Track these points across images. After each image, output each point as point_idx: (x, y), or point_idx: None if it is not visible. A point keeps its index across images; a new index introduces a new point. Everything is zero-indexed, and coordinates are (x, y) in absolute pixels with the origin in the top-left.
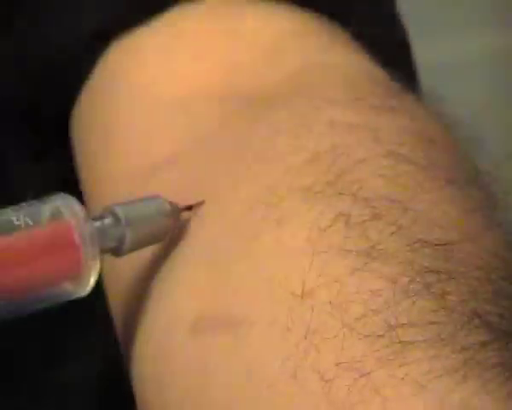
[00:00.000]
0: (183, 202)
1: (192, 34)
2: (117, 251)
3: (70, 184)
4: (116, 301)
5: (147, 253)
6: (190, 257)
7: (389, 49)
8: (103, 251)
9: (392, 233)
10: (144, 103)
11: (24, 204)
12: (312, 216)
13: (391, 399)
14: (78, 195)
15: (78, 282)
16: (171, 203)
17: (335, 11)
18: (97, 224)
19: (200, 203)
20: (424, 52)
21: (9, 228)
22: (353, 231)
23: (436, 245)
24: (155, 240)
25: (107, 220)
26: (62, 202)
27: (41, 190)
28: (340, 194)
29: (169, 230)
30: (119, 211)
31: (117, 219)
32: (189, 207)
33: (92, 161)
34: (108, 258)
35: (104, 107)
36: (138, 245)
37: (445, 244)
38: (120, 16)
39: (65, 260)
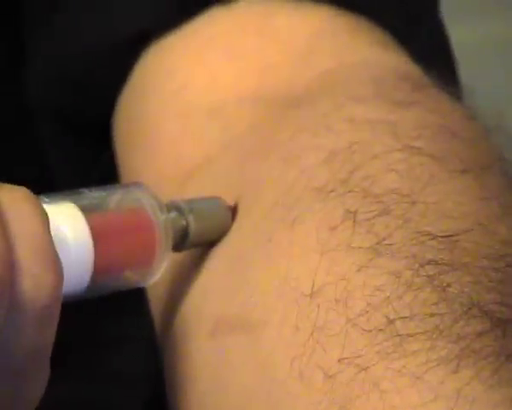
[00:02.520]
0: None
1: (225, 35)
2: (179, 246)
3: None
4: (152, 298)
5: (176, 254)
6: (213, 260)
7: (429, 46)
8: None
9: (399, 227)
10: (177, 108)
11: (101, 187)
12: (323, 215)
13: (388, 391)
14: None
15: (149, 270)
16: (229, 205)
17: (372, 8)
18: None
19: None
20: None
21: (91, 208)
22: (361, 227)
23: (441, 237)
24: (214, 238)
25: (172, 214)
26: (140, 191)
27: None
28: (350, 191)
29: (227, 228)
30: (185, 206)
31: (181, 213)
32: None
33: (130, 166)
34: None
35: (139, 112)
36: (199, 241)
37: (450, 235)
38: (158, 20)
39: (141, 247)
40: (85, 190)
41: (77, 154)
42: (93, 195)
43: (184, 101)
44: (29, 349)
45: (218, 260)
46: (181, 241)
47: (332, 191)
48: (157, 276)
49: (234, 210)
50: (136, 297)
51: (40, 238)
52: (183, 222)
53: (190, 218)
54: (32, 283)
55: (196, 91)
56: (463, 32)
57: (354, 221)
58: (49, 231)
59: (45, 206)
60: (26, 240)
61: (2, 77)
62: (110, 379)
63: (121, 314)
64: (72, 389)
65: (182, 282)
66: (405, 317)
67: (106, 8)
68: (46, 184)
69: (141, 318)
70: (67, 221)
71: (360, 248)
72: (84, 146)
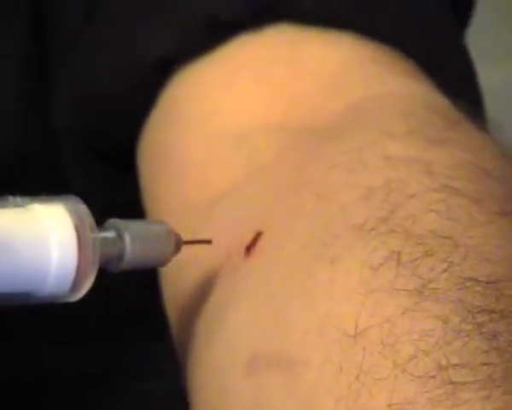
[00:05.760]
0: (241, 237)
1: (254, 63)
2: (113, 266)
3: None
4: (175, 329)
5: (203, 286)
6: (245, 294)
7: (454, 75)
8: (100, 263)
9: (444, 271)
10: (204, 134)
11: (29, 197)
12: (365, 254)
13: None
14: None
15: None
16: (175, 233)
17: (401, 39)
18: (100, 234)
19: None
20: (485, 77)
21: None
22: (405, 269)
23: (486, 282)
24: (154, 264)
25: (110, 234)
26: (71, 206)
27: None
28: (392, 231)
29: (169, 257)
30: (123, 227)
31: (119, 234)
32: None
33: (154, 192)
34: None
35: (165, 137)
36: (137, 264)
37: (494, 282)
38: (186, 45)
39: None
40: (11, 197)
41: (101, 179)
42: (18, 203)
43: (211, 127)
44: None
45: (251, 294)
46: (116, 261)
47: (372, 230)
48: (81, 294)
49: (182, 241)
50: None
51: None
52: (119, 243)
53: (127, 239)
54: None
55: (224, 117)
56: (491, 73)
57: (398, 262)
58: None
59: (34, 205)
60: None
61: (28, 103)
62: (141, 404)
63: (155, 341)
64: None
65: (206, 314)
66: (456, 364)
67: (133, 32)
68: None
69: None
70: (55, 223)
71: (405, 290)
72: (108, 171)
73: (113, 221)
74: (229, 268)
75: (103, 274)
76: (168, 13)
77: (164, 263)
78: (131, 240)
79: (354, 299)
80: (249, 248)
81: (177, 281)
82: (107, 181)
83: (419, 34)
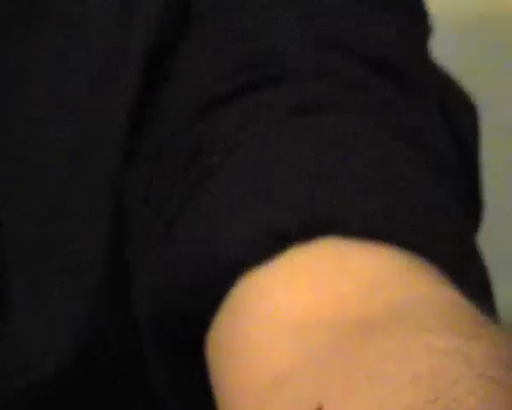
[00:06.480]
0: None
1: (305, 271)
2: None
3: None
4: None
5: None
6: None
7: (475, 281)
8: None
9: None
10: (268, 328)
11: None
12: None
13: None
14: None
15: None
16: None
17: (432, 251)
18: None
19: None
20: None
21: None
22: None
23: None
24: None
25: None
26: None
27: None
28: None
29: None
30: None
31: None
32: None
33: (222, 378)
34: None
35: (233, 330)
36: None
37: None
38: (250, 256)
39: None
40: None
41: (176, 368)
42: None
43: (274, 322)
44: None
45: None
46: None
47: None
48: None
49: None
50: None
51: None
52: None
53: None
54: None
55: (283, 314)
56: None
57: None
58: None
59: None
60: None
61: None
62: None
63: None
64: None
65: None
66: None
67: (210, 239)
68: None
69: None
70: None
71: None
72: (183, 361)
73: None
74: None
75: None
76: (238, 223)
77: None
78: None
79: None
80: None
81: None
82: (181, 370)
83: (447, 246)
